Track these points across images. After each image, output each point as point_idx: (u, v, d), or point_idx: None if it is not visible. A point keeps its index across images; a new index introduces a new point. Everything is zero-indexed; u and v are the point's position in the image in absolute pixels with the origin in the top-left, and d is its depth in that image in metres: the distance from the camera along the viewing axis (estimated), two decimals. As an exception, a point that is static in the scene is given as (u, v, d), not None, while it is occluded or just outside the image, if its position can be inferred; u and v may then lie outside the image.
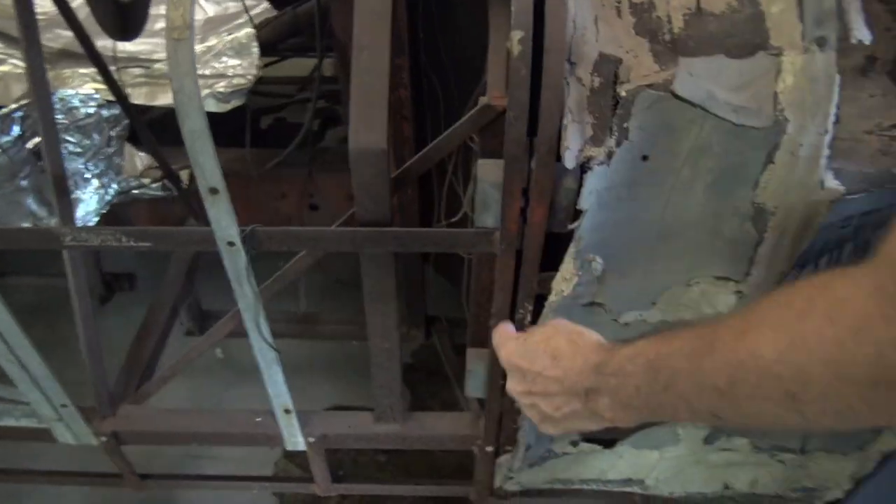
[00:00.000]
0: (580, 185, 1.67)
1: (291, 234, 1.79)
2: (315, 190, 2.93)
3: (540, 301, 1.88)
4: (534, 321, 1.93)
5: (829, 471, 2.32)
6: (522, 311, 1.91)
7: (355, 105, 1.67)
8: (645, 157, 1.59)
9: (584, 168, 1.58)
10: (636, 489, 2.42)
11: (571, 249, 1.69)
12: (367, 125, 1.66)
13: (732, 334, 0.99)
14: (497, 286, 1.85)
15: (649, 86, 1.53)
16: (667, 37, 1.62)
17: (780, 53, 1.52)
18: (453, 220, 2.25)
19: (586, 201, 1.60)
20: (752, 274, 1.76)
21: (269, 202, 2.97)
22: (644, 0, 1.60)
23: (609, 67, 1.61)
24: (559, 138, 1.57)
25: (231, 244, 1.77)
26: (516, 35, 1.50)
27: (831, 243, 1.71)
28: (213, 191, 1.66)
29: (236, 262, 1.82)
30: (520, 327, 1.94)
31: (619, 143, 1.56)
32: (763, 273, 1.75)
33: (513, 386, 1.44)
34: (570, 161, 1.57)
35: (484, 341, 2.19)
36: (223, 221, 1.72)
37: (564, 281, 1.76)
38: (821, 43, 1.51)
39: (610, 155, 1.56)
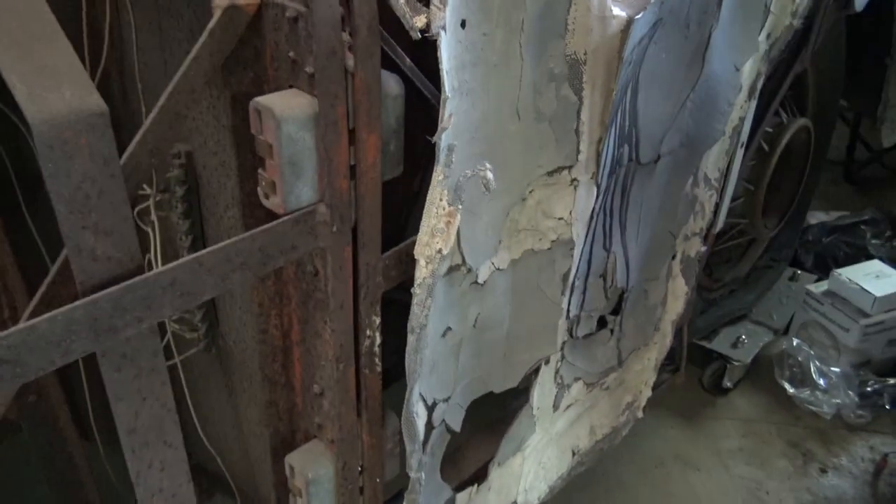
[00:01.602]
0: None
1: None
2: None
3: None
4: (386, 339, 1.33)
5: (639, 371, 2.24)
6: (370, 331, 1.29)
7: (6, 55, 0.84)
8: (463, 24, 1.19)
9: (426, 40, 1.10)
10: (511, 517, 1.95)
11: (439, 174, 1.17)
12: (51, 77, 0.85)
13: None
14: (333, 300, 1.19)
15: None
16: None
17: None
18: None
19: (451, 82, 1.12)
20: (581, 150, 1.51)
21: None
22: None
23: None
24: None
25: None
26: None
27: (622, 90, 1.58)
28: None
29: None
30: (369, 361, 1.31)
31: (444, 2, 1.12)
32: (587, 146, 1.52)
33: None
34: (415, 31, 1.07)
35: (294, 437, 1.45)
36: None
37: (439, 234, 1.22)
38: None
39: (442, 20, 1.12)
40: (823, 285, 3.22)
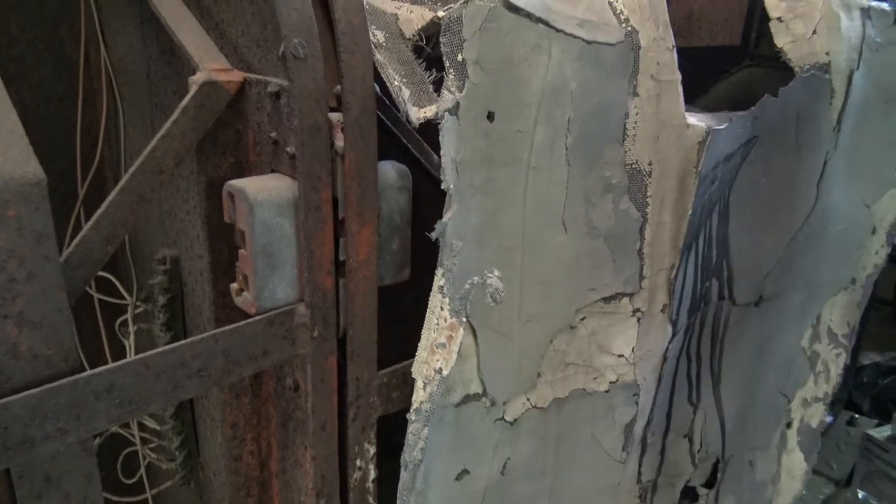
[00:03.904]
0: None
1: None
2: None
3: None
4: (382, 475, 1.14)
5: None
6: (361, 461, 1.10)
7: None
8: (491, 116, 1.07)
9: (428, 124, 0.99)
10: None
11: (440, 279, 1.02)
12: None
13: None
14: (313, 420, 1.03)
15: None
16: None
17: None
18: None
19: (469, 177, 0.99)
20: (646, 276, 1.30)
21: None
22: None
23: (385, 20, 1.11)
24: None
25: None
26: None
27: (704, 214, 1.38)
28: None
29: None
30: (360, 499, 1.12)
31: (460, 86, 1.01)
32: (652, 271, 1.31)
33: None
34: (413, 115, 0.96)
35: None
36: None
37: (439, 351, 1.05)
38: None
39: (456, 106, 1.01)
40: (886, 430, 2.78)
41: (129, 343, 1.28)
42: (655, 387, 1.42)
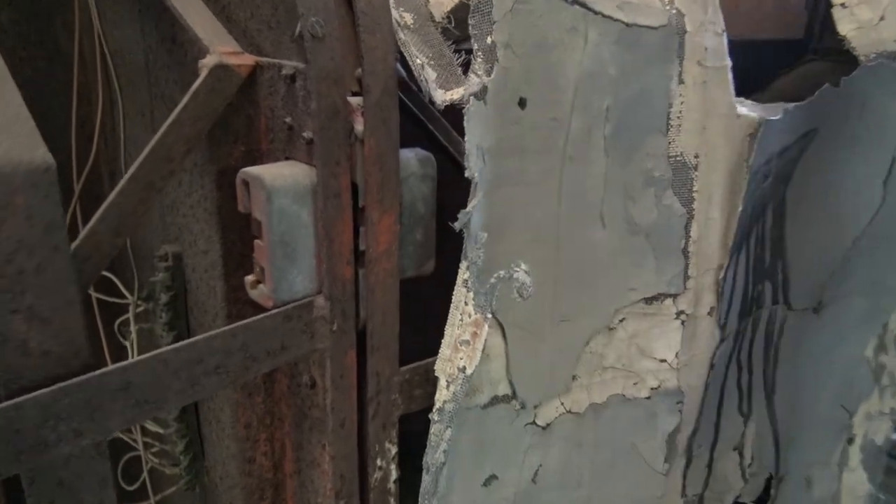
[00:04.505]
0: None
1: None
2: None
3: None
4: (403, 477, 1.10)
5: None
6: (382, 461, 1.06)
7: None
8: (522, 103, 1.02)
9: (452, 108, 0.94)
10: None
11: (464, 272, 0.97)
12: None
13: None
14: (332, 418, 1.00)
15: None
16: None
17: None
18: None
19: (475, 161, 0.94)
20: (691, 276, 1.23)
21: None
22: None
23: (415, 2, 1.07)
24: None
25: None
26: None
27: (757, 210, 1.30)
28: None
29: None
30: (381, 500, 1.08)
31: (489, 70, 0.97)
32: (699, 271, 1.24)
33: None
34: (439, 97, 0.92)
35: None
36: None
37: (463, 348, 1.00)
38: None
39: (484, 90, 0.96)
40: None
41: (131, 343, 1.27)
42: (702, 395, 1.34)
